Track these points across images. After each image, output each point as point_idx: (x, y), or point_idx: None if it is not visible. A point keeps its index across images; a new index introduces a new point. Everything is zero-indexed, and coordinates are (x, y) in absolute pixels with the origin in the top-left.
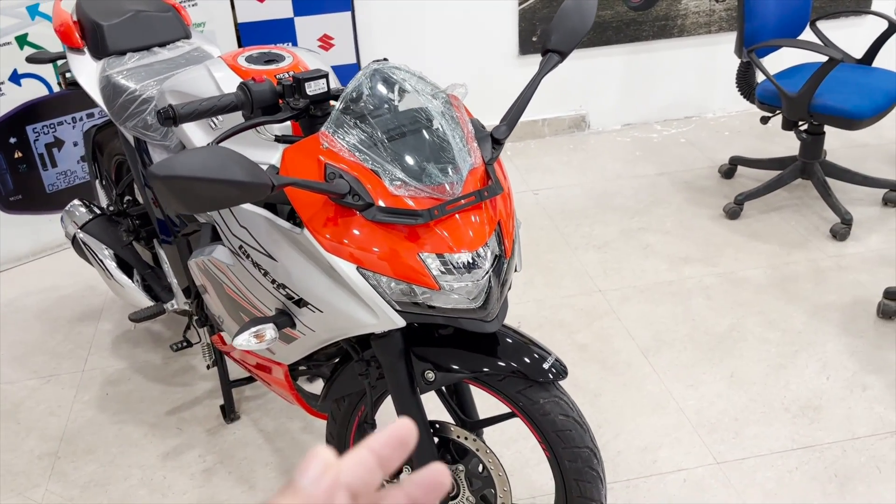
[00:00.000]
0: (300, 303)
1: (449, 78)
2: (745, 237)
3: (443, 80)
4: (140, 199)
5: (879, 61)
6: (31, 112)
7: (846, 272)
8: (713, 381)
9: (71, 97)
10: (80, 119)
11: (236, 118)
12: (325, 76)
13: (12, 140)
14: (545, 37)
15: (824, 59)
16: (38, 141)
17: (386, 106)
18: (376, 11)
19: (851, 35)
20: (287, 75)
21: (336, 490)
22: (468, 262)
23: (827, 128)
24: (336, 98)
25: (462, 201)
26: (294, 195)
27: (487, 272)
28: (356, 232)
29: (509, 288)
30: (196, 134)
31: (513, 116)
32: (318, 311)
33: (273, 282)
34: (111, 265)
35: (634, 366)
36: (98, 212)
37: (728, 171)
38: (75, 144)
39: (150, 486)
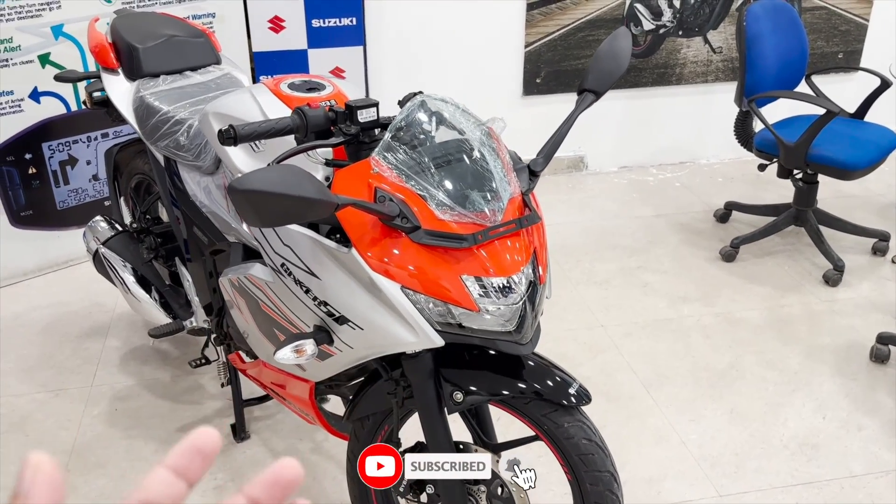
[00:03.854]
0: (341, 320)
1: None
2: (741, 279)
3: None
4: (164, 217)
5: (871, 116)
6: (47, 129)
7: (839, 316)
8: (714, 417)
9: (87, 116)
10: (95, 138)
11: (280, 142)
12: (376, 105)
13: (27, 156)
14: (582, 77)
15: (821, 111)
16: (52, 158)
17: (432, 135)
18: (387, 48)
19: (842, 90)
20: (327, 104)
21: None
22: (505, 286)
23: (819, 177)
24: (384, 126)
25: (502, 228)
26: (344, 217)
27: (523, 297)
28: (401, 253)
29: (542, 314)
30: (239, 156)
31: (549, 150)
32: (359, 329)
33: (315, 299)
34: (130, 280)
35: (637, 399)
36: (120, 228)
37: (723, 216)
38: (88, 163)
39: None
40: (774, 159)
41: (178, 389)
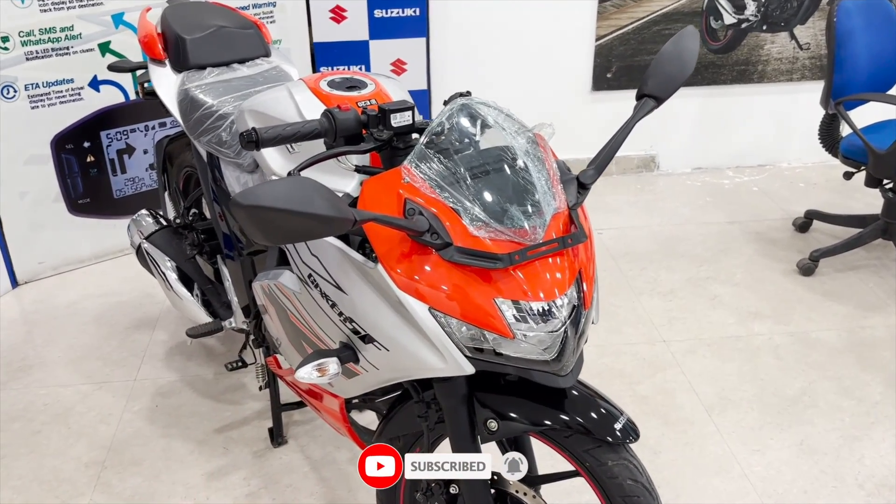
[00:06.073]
0: (366, 339)
1: (517, 110)
2: (819, 296)
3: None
4: (207, 214)
5: None
6: (106, 118)
7: None
8: (781, 448)
9: (145, 106)
10: (153, 128)
11: (314, 143)
12: (412, 108)
13: (86, 144)
14: (642, 81)
15: None
16: (110, 147)
17: (470, 142)
18: (451, 40)
19: None
20: (369, 103)
21: None
22: (544, 311)
23: None
24: (420, 131)
25: (544, 247)
26: (370, 229)
27: (564, 323)
28: (431, 271)
29: (586, 341)
30: (273, 157)
31: (602, 161)
32: (385, 350)
33: (340, 314)
34: (172, 277)
35: (697, 424)
36: (164, 223)
37: (803, 225)
38: (145, 152)
39: None
40: (862, 167)
41: (220, 388)
